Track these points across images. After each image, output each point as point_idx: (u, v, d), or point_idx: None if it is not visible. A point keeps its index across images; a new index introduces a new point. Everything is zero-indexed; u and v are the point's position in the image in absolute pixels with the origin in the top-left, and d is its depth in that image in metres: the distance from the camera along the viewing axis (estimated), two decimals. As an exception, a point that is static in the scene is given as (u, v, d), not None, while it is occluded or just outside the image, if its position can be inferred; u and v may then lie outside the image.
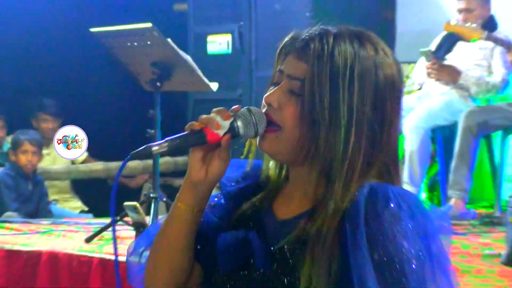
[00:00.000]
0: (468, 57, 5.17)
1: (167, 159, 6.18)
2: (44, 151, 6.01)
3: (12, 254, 3.92)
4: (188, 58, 4.17)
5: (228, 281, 1.58)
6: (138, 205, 3.82)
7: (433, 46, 5.24)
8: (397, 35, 6.26)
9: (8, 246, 3.97)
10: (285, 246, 1.51)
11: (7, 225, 4.77)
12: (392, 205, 1.43)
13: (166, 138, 1.54)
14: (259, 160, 1.65)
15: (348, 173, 1.48)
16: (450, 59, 5.21)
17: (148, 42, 4.05)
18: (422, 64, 5.27)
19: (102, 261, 3.62)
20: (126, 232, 3.99)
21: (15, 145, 5.56)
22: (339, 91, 1.47)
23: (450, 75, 5.10)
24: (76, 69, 6.63)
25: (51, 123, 6.24)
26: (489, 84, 5.07)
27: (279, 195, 1.62)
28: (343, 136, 1.47)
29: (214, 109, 1.55)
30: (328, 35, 1.51)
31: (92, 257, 3.67)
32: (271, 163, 1.64)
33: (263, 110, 1.55)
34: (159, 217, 1.88)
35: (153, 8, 6.60)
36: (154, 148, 1.52)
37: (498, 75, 5.09)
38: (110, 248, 3.79)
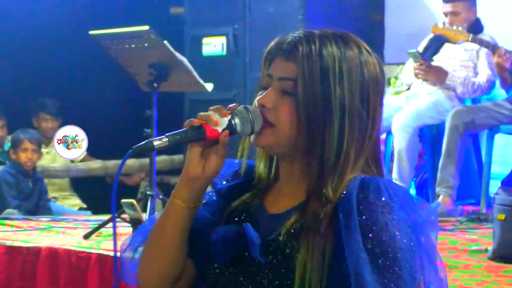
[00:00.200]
0: (455, 58, 5.20)
1: (163, 157, 6.18)
2: (44, 150, 6.02)
3: (12, 250, 3.93)
4: (184, 59, 4.19)
5: (222, 274, 1.58)
6: (135, 202, 3.86)
7: (420, 48, 5.25)
8: (386, 37, 6.27)
9: (8, 243, 3.99)
10: (280, 237, 1.52)
11: (7, 222, 4.76)
12: (383, 196, 1.46)
13: (167, 134, 1.55)
14: (250, 161, 1.67)
15: (343, 164, 1.51)
16: (437, 60, 5.23)
17: (146, 44, 4.08)
18: (410, 65, 5.29)
19: (100, 256, 3.61)
20: (124, 229, 3.99)
21: (15, 144, 5.56)
22: (330, 87, 1.51)
23: (437, 76, 5.13)
24: (76, 70, 6.59)
25: (51, 122, 6.23)
26: (475, 84, 5.10)
27: (269, 192, 1.64)
28: (337, 129, 1.51)
29: (212, 107, 1.57)
30: (313, 37, 1.55)
31: (90, 253, 3.68)
32: (261, 163, 1.66)
33: (259, 111, 1.57)
34: (155, 213, 1.88)
35: (150, 11, 6.58)
36: (156, 143, 1.54)
37: (483, 76, 5.12)
38: (107, 244, 3.77)
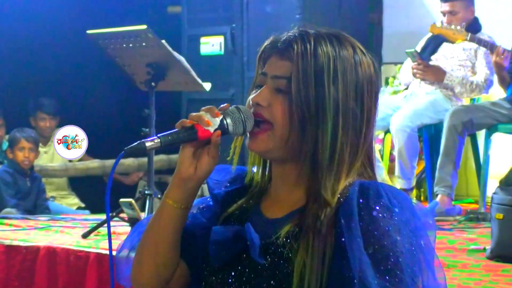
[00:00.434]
0: (453, 57, 5.21)
1: (161, 157, 6.15)
2: (42, 149, 6.03)
3: (11, 249, 3.93)
4: (182, 59, 4.19)
5: (219, 276, 1.58)
6: (133, 201, 3.87)
7: (418, 47, 5.26)
8: (384, 37, 6.30)
9: (7, 242, 3.99)
10: (279, 240, 1.51)
11: (6, 221, 4.75)
12: (383, 201, 1.46)
13: (159, 135, 1.54)
14: (244, 167, 1.68)
15: (338, 164, 1.51)
16: (435, 59, 5.24)
17: (143, 44, 4.08)
18: (408, 64, 5.30)
19: (99, 256, 3.63)
20: (122, 228, 4.04)
21: (12, 143, 5.56)
22: (324, 86, 1.51)
23: (435, 75, 5.14)
24: (73, 69, 6.58)
25: (48, 121, 6.23)
26: (473, 84, 5.11)
27: (264, 196, 1.63)
28: (331, 128, 1.50)
29: (204, 108, 1.57)
30: (308, 36, 1.54)
31: (88, 252, 3.68)
32: (255, 168, 1.65)
33: (251, 111, 1.56)
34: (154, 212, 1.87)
35: (148, 10, 6.61)
36: (147, 144, 1.53)
37: (481, 75, 5.13)
38: (106, 243, 3.63)
